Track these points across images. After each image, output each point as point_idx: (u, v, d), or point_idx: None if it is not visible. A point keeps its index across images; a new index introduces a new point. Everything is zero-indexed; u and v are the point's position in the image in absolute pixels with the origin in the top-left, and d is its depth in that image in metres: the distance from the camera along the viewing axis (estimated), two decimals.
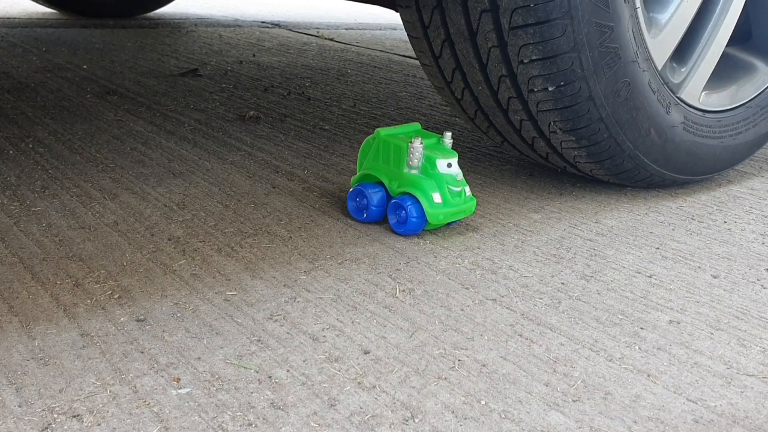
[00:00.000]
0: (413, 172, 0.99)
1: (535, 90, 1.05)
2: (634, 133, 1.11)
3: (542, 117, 1.08)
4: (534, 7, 0.98)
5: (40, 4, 3.33)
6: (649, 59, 1.10)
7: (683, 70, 1.19)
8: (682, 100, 1.18)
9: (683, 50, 1.19)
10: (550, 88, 1.04)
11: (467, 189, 1.01)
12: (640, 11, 1.06)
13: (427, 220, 0.97)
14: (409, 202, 0.97)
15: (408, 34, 1.19)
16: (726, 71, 1.28)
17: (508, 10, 0.99)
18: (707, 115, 1.22)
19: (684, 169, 1.20)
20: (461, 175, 0.99)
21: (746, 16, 1.30)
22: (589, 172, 1.18)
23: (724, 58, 1.23)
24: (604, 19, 1.01)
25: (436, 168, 0.98)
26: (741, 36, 1.31)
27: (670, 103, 1.15)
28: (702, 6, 1.15)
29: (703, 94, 1.21)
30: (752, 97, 1.28)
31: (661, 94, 1.13)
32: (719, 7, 1.18)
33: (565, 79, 1.03)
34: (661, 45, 1.12)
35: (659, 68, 1.12)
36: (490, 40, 1.04)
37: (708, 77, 1.21)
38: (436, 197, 0.96)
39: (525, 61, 1.03)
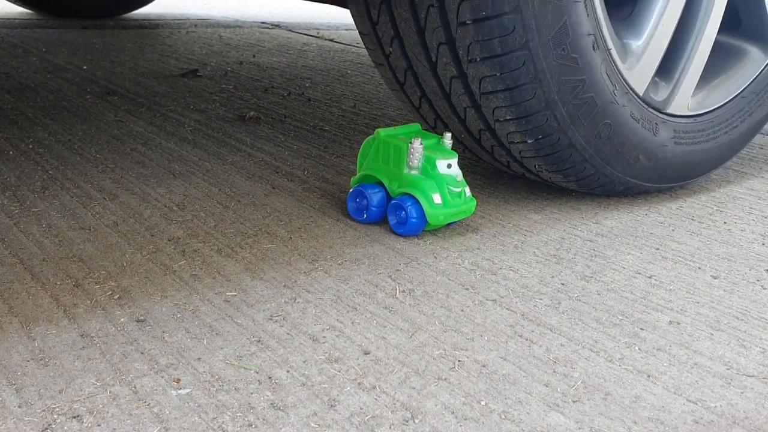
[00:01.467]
0: (413, 172, 0.99)
1: (515, 142, 1.06)
2: (622, 164, 1.10)
3: (527, 161, 1.10)
4: (501, 76, 0.97)
5: (15, 3, 3.24)
6: (628, 92, 1.07)
7: (669, 84, 1.15)
8: (670, 115, 1.15)
9: (666, 65, 1.15)
10: (528, 141, 1.04)
11: (467, 190, 1.01)
12: (613, 51, 1.03)
13: (427, 220, 0.97)
14: (409, 203, 0.97)
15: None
16: (715, 64, 1.23)
17: (476, 79, 1.00)
18: (699, 118, 1.19)
19: (680, 177, 1.20)
20: (461, 175, 0.99)
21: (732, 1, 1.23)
22: (586, 191, 1.18)
23: (713, 48, 1.18)
24: (575, 74, 1.00)
25: (436, 169, 0.98)
26: (728, 22, 1.24)
27: (656, 123, 1.12)
28: (682, 18, 1.11)
29: (692, 99, 1.18)
30: (746, 85, 1.24)
31: (646, 119, 1.11)
32: (702, 11, 1.14)
33: (543, 133, 1.03)
34: (640, 73, 1.09)
35: (641, 94, 1.10)
36: (464, 102, 1.05)
37: (696, 81, 1.18)
38: (436, 198, 0.96)
39: (501, 119, 1.03)
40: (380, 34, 1.10)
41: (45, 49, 2.39)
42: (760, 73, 1.26)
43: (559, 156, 1.06)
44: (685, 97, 1.17)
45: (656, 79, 1.13)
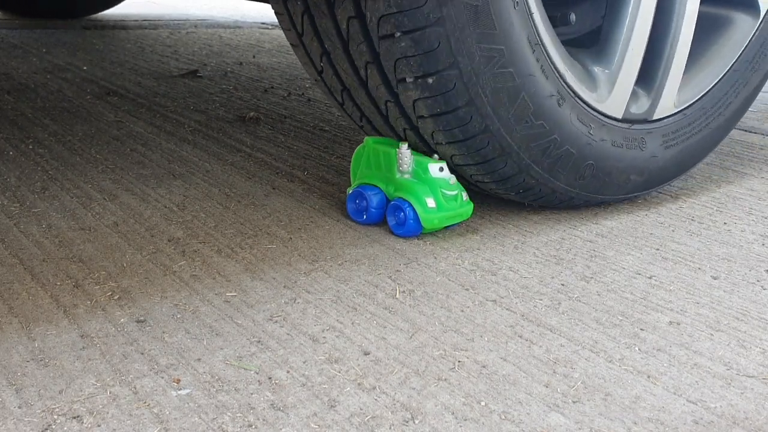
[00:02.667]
0: (405, 176, 0.99)
1: (491, 188, 1.05)
2: (613, 188, 1.08)
3: (501, 195, 1.08)
4: (469, 155, 0.97)
5: None
6: (606, 123, 1.03)
7: (650, 93, 1.09)
8: (657, 121, 1.10)
9: (645, 75, 1.08)
10: (511, 194, 1.04)
11: (464, 194, 1.00)
12: (583, 94, 0.99)
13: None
14: (407, 204, 0.97)
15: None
16: (700, 41, 1.14)
17: (427, 132, 0.97)
18: (688, 111, 1.13)
19: (675, 174, 1.17)
20: (454, 178, 0.99)
21: None
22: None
23: (697, 23, 1.10)
24: (545, 137, 0.97)
25: (428, 173, 0.98)
26: None
27: (642, 138, 1.08)
28: (653, 31, 1.05)
29: (678, 95, 1.12)
30: (738, 56, 1.15)
31: (630, 138, 1.06)
32: (674, 15, 1.07)
33: (522, 188, 1.02)
34: (615, 99, 1.04)
35: (621, 117, 1.05)
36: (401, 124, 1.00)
37: (680, 79, 1.11)
38: (430, 202, 0.96)
39: (460, 164, 1.01)
40: (308, 47, 1.01)
41: (45, 50, 2.39)
42: (750, 40, 1.16)
43: (545, 200, 1.06)
44: (671, 98, 1.11)
45: (637, 89, 1.08)
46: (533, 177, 1.00)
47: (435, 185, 0.97)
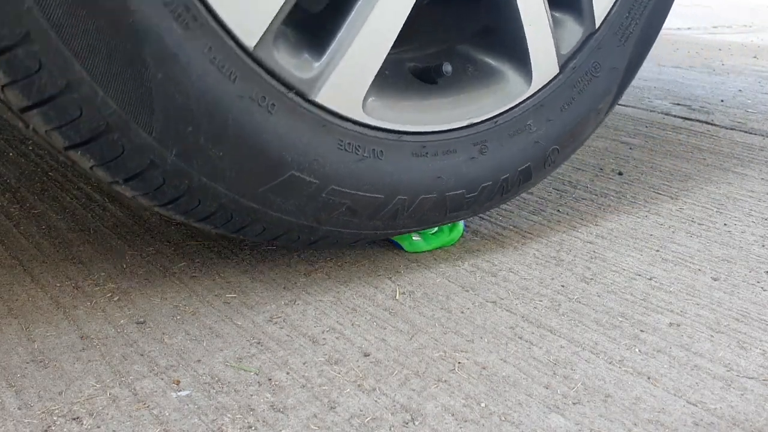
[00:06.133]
0: None
1: None
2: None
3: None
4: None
5: None
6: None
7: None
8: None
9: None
10: None
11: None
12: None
13: None
14: (394, 241, 0.96)
15: None
16: (457, 80, 0.91)
17: None
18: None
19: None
20: None
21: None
22: None
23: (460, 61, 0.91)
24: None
25: None
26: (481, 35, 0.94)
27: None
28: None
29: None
30: (497, 113, 0.90)
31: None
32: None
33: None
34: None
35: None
36: None
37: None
38: (415, 236, 0.95)
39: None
40: None
41: None
42: (517, 105, 0.91)
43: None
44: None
45: (373, 100, 0.82)
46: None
47: None
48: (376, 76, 0.78)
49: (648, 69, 2.57)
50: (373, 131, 0.80)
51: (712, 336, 0.78)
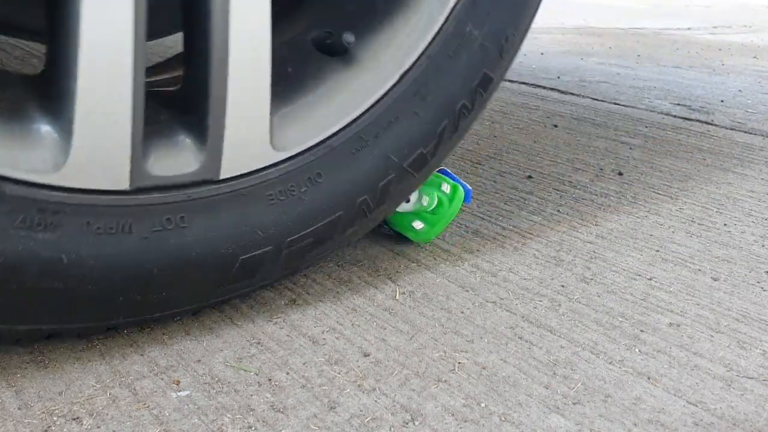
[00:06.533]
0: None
1: None
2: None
3: None
4: None
5: None
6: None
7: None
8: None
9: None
10: None
11: (444, 185, 0.94)
12: None
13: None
14: (400, 234, 0.97)
15: None
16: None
17: None
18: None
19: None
20: (418, 195, 0.94)
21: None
22: None
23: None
24: None
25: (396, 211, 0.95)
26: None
27: None
28: None
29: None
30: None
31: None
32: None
33: None
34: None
35: None
36: None
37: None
38: (417, 225, 0.95)
39: None
40: None
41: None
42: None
43: None
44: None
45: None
46: None
47: (410, 214, 0.95)
48: None
49: (648, 69, 2.57)
50: None
51: (712, 336, 0.78)
